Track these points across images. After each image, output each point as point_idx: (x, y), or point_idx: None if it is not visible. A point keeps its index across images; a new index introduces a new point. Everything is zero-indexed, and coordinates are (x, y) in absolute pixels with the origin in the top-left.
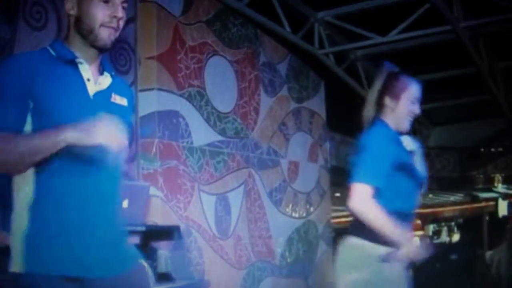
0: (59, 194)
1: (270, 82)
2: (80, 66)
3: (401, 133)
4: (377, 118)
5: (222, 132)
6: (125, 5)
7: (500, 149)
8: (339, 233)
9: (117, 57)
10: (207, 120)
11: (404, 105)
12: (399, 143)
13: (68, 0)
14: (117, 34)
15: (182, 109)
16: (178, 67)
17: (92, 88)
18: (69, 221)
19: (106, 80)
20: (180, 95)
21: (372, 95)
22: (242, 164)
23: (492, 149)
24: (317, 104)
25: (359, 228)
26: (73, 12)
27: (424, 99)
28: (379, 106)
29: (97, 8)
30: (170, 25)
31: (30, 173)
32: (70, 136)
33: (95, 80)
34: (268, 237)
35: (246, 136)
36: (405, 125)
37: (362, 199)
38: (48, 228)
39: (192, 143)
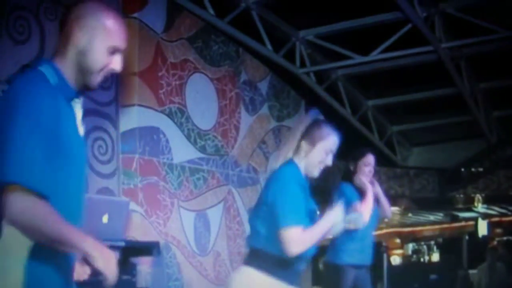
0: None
1: (250, 101)
2: (75, 105)
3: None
4: (290, 159)
5: (202, 149)
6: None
7: (480, 170)
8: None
9: None
10: (188, 137)
11: (318, 153)
12: (307, 190)
13: (80, 33)
14: None
15: (163, 126)
16: (159, 83)
17: (80, 128)
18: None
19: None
20: (161, 112)
21: (292, 137)
22: (221, 181)
23: (472, 170)
24: (298, 122)
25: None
26: (80, 45)
27: (405, 120)
28: (296, 148)
29: (104, 56)
30: (152, 41)
31: None
32: (89, 252)
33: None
34: None
35: (226, 154)
36: (315, 173)
37: (300, 242)
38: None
39: (172, 159)
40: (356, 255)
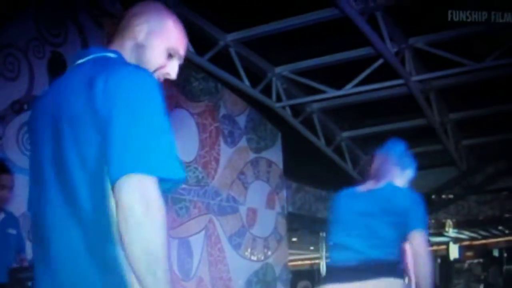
0: None
1: (230, 134)
2: None
3: None
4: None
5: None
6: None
7: (451, 196)
8: (295, 275)
9: None
10: None
11: (404, 179)
12: None
13: (140, 27)
14: None
15: None
16: None
17: None
18: None
19: None
20: None
21: (388, 163)
22: (203, 210)
23: (443, 196)
24: (275, 154)
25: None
26: (139, 38)
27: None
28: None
29: (162, 56)
30: None
31: None
32: None
33: None
34: (228, 279)
35: (206, 184)
36: None
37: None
38: None
39: None
40: None
